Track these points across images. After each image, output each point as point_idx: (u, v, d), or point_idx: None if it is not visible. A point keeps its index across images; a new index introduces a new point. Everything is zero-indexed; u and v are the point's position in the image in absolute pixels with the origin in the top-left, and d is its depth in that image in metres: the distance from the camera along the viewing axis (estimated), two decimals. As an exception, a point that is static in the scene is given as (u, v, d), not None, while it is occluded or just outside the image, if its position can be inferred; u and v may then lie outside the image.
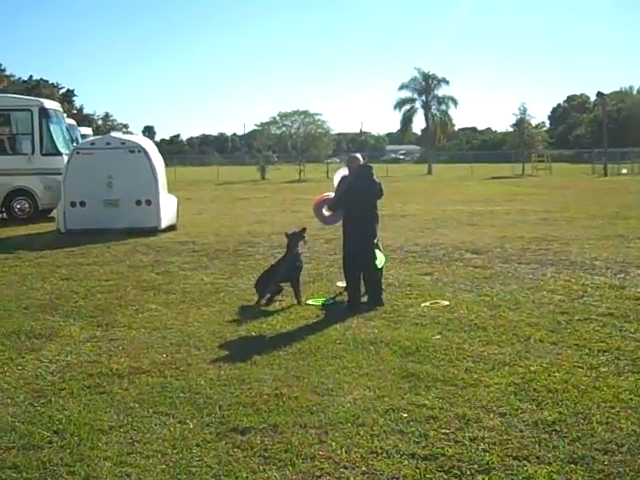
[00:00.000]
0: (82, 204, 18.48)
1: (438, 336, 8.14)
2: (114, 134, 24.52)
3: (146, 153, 18.90)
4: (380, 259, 10.31)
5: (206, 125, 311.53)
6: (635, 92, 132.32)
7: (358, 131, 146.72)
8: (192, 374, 6.89)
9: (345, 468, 4.88)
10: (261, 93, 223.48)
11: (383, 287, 10.28)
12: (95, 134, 40.65)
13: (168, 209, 19.45)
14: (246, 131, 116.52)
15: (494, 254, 14.11)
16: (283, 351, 7.67)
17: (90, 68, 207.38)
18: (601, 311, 9.14)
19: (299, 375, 6.82)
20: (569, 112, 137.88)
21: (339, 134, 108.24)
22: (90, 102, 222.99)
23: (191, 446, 5.25)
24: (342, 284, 10.82)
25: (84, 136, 31.59)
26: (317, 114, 71.66)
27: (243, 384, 6.58)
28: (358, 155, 10.60)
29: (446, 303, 9.77)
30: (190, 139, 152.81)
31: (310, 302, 10.07)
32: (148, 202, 18.56)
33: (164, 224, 18.85)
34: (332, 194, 10.58)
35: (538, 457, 4.97)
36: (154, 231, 18.20)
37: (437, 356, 7.36)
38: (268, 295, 10.15)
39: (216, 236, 17.94)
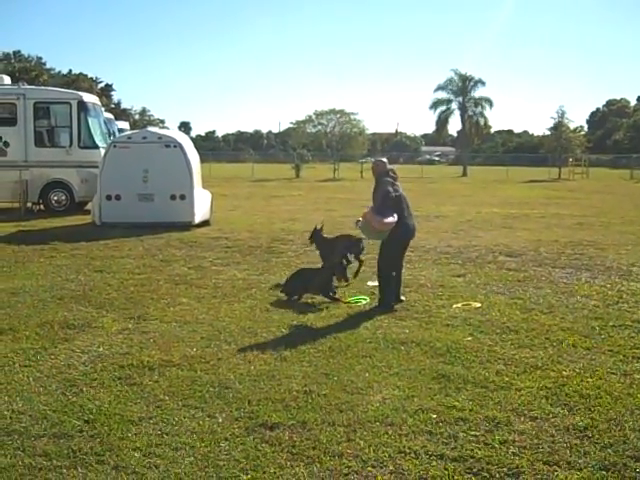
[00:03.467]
0: (117, 197, 18.64)
1: (469, 338, 8.08)
2: (151, 129, 24.65)
3: (182, 148, 19.00)
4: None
5: (242, 122, 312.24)
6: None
7: (394, 131, 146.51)
8: (222, 369, 6.91)
9: (373, 467, 4.87)
10: (297, 91, 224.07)
11: (413, 288, 10.20)
12: (132, 128, 41.01)
13: (202, 204, 19.55)
14: (281, 129, 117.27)
15: (528, 257, 13.99)
16: (313, 348, 7.66)
17: (129, 63, 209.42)
18: (636, 317, 9.02)
19: (328, 373, 6.81)
20: (608, 116, 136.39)
21: (374, 134, 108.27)
22: (128, 97, 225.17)
23: (219, 440, 5.26)
24: (372, 283, 10.79)
25: (121, 130, 31.90)
26: (353, 113, 71.89)
27: (272, 380, 6.58)
28: (384, 159, 10.52)
29: (478, 305, 9.71)
30: (226, 135, 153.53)
31: (349, 300, 10.07)
32: (182, 197, 18.67)
33: (198, 219, 18.94)
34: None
35: (569, 463, 4.91)
36: (188, 226, 18.29)
37: (468, 358, 7.31)
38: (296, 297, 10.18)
39: (249, 232, 17.99)
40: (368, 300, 10.03)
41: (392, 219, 9.60)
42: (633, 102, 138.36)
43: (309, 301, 10.05)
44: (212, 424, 5.55)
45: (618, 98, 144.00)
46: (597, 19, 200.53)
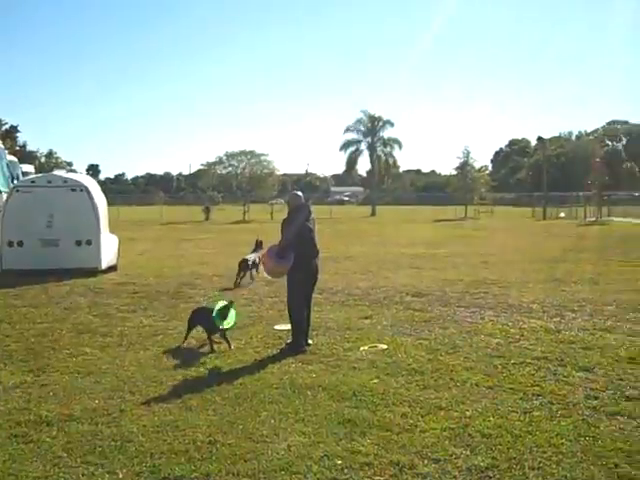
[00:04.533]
0: (20, 244, 18.13)
1: (376, 380, 8.13)
2: (57, 172, 24.13)
3: (88, 192, 18.68)
4: (230, 319, 10.10)
5: (151, 164, 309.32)
6: (574, 138, 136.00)
7: (304, 172, 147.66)
8: (124, 421, 6.75)
9: (276, 518, 4.82)
10: (208, 133, 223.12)
11: (320, 330, 10.25)
12: (38, 172, 40.08)
13: (109, 249, 19.22)
14: (192, 171, 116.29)
15: (434, 297, 14.22)
16: (219, 396, 7.58)
17: (36, 104, 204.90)
18: (536, 355, 9.26)
19: (234, 421, 6.74)
20: (511, 156, 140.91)
21: (285, 175, 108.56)
22: (34, 139, 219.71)
23: (120, 497, 5.13)
24: (280, 327, 10.81)
25: (25, 173, 31.05)
26: (263, 154, 71.84)
27: (177, 431, 6.47)
28: (299, 193, 10.60)
29: (384, 347, 9.79)
30: (135, 178, 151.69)
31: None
32: (88, 242, 18.31)
33: (104, 265, 18.60)
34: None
35: (470, 504, 4.97)
36: (94, 272, 17.92)
37: (374, 401, 7.35)
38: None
39: (157, 277, 17.77)
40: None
41: (286, 262, 9.78)
42: (534, 142, 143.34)
43: (216, 347, 9.94)
44: (112, 480, 5.41)
45: (520, 138, 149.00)
46: (498, 63, 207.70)
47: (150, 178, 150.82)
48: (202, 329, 10.16)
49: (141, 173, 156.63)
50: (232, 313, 10.16)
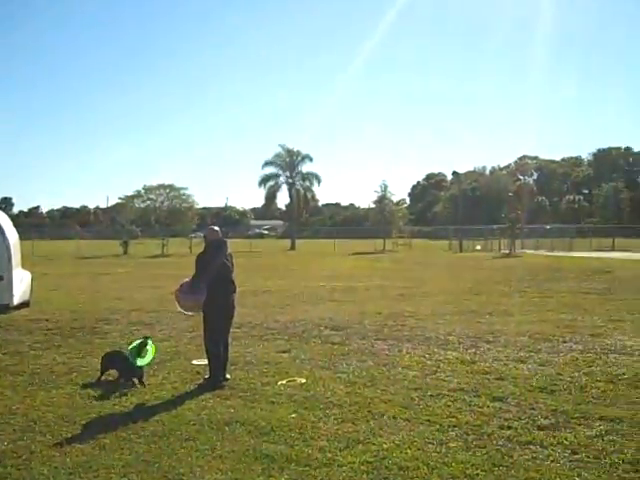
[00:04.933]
0: None
1: (294, 415, 8.11)
2: (-34, 207, 23.49)
3: (-1, 227, 18.20)
4: (147, 356, 10.05)
5: (68, 197, 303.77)
6: (488, 172, 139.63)
7: (223, 205, 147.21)
8: (35, 463, 6.55)
9: None
10: (126, 166, 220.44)
11: (239, 365, 10.20)
12: (-54, 206, 38.92)
13: (21, 285, 18.72)
14: (110, 204, 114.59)
15: (353, 330, 14.30)
16: (135, 434, 7.44)
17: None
18: (452, 386, 9.39)
19: (150, 460, 6.62)
20: (428, 189, 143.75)
21: (204, 208, 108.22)
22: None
23: (28, 541, 4.96)
24: (198, 362, 10.71)
25: None
26: (182, 188, 71.67)
27: (89, 472, 6.31)
28: (216, 228, 10.56)
29: (303, 381, 9.79)
30: (50, 211, 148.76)
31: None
32: (0, 278, 17.80)
33: (16, 301, 18.10)
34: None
35: (387, 537, 4.98)
36: (5, 308, 17.42)
37: (292, 435, 7.33)
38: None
39: (72, 313, 17.39)
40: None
41: (198, 296, 9.75)
42: (449, 176, 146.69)
43: (131, 384, 9.76)
44: (21, 525, 5.23)
45: (436, 172, 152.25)
46: (416, 97, 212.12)
47: (66, 211, 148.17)
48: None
49: (57, 206, 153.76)
50: (149, 349, 10.03)
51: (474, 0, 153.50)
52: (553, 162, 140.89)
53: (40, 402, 8.78)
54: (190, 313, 10.45)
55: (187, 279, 10.16)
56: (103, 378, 9.95)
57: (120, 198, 78.03)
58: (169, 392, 9.35)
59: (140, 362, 9.82)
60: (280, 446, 7.00)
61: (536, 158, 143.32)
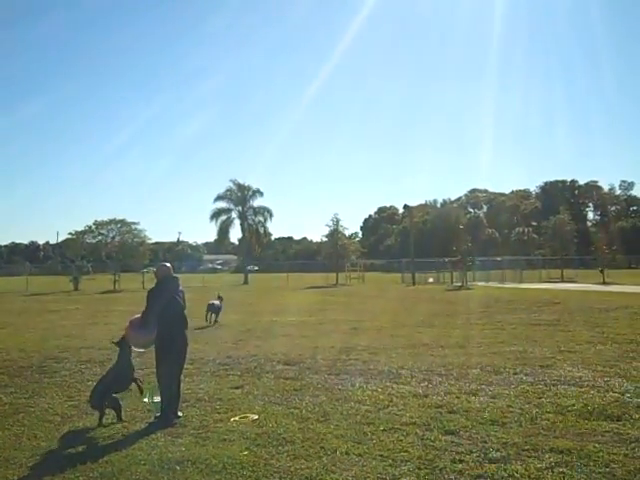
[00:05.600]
0: None
1: (246, 452, 8.05)
2: None
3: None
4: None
5: (16, 233, 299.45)
6: (439, 205, 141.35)
7: (176, 240, 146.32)
8: (-20, 507, 6.41)
9: None
10: (76, 201, 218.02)
11: (191, 402, 10.12)
12: None
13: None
14: (59, 239, 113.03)
15: (305, 365, 14.27)
16: (83, 476, 7.35)
17: None
18: (405, 420, 9.41)
19: (99, 502, 6.51)
20: (380, 223, 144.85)
21: (156, 243, 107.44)
22: None
23: None
24: (147, 400, 10.59)
25: None
26: (134, 223, 71.03)
27: (36, 515, 6.18)
28: (167, 264, 10.53)
29: (255, 417, 9.72)
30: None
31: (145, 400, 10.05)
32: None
33: (-38, 340, 17.73)
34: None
35: None
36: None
37: (244, 473, 7.28)
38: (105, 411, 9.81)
39: (20, 351, 17.07)
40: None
41: (149, 334, 9.77)
42: (401, 209, 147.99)
43: (81, 424, 9.62)
44: None
45: (388, 205, 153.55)
46: (368, 131, 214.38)
47: (15, 247, 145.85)
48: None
49: (5, 242, 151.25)
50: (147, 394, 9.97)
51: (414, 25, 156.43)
52: (502, 195, 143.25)
53: (-15, 444, 8.59)
54: (142, 350, 10.37)
55: (138, 315, 10.12)
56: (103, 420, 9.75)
57: (70, 233, 76.92)
58: (119, 431, 9.25)
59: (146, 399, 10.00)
60: (231, 485, 6.94)
61: (486, 191, 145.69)
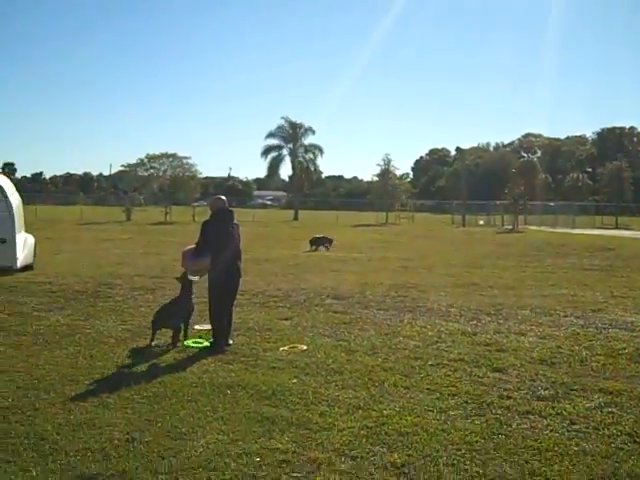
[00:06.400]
0: None
1: (295, 380, 8.17)
2: (-30, 169, 23.51)
3: (2, 190, 18.26)
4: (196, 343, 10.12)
5: (71, 164, 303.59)
6: (492, 149, 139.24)
7: (226, 175, 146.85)
8: (39, 419, 6.62)
9: (194, 514, 4.79)
10: (129, 134, 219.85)
11: (241, 331, 10.28)
12: (-51, 168, 38.90)
13: (24, 248, 18.78)
14: (112, 172, 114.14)
15: (354, 300, 14.36)
16: (138, 394, 7.50)
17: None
18: (453, 356, 9.44)
19: (152, 419, 6.68)
20: (431, 164, 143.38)
21: (207, 178, 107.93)
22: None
23: (33, 494, 5.02)
24: (200, 327, 10.78)
25: (-63, 170, 30.20)
26: (185, 157, 71.32)
27: (93, 429, 6.38)
28: (222, 197, 10.58)
29: (304, 347, 9.84)
30: (54, 177, 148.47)
31: (190, 343, 9.95)
32: (3, 241, 17.86)
33: (20, 263, 18.16)
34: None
35: (386, 499, 5.04)
36: (9, 270, 17.49)
37: (293, 400, 7.38)
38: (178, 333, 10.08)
39: (75, 277, 17.44)
40: (207, 344, 9.92)
41: (203, 260, 9.90)
42: (453, 151, 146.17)
43: (135, 346, 9.84)
44: (25, 478, 5.29)
45: (440, 147, 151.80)
46: (422, 72, 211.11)
47: (69, 178, 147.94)
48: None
49: (60, 172, 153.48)
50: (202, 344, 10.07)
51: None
52: (557, 140, 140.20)
53: (44, 361, 8.85)
54: (196, 278, 10.47)
55: (191, 246, 10.25)
56: (154, 343, 9.98)
57: (123, 166, 77.74)
58: (172, 355, 9.43)
59: (188, 341, 10.00)
60: (281, 410, 7.05)
61: (540, 136, 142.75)
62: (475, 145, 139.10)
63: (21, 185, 23.51)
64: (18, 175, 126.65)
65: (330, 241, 29.17)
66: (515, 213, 56.32)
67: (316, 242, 29.11)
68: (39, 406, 7.03)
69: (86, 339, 10.29)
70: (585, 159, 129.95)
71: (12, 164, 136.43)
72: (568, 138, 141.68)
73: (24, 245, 18.87)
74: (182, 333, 10.13)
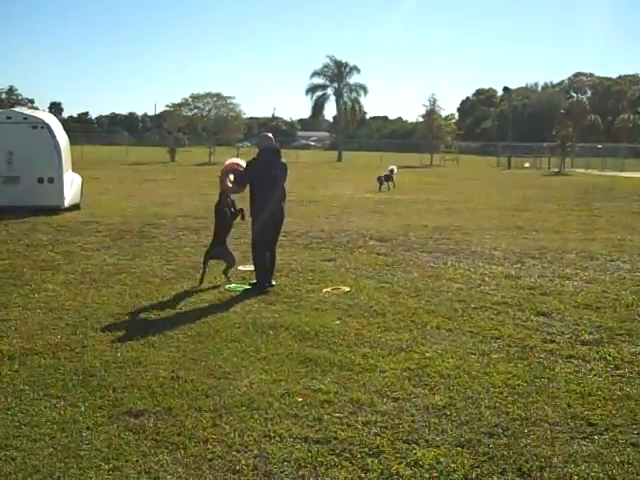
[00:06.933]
0: (-21, 180, 17.85)
1: (337, 321, 8.21)
2: (17, 109, 23.71)
3: (49, 129, 18.39)
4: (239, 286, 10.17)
5: (116, 104, 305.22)
6: (540, 89, 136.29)
7: (270, 116, 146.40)
8: (87, 356, 6.77)
9: (237, 451, 4.87)
10: (174, 73, 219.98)
11: (284, 272, 10.34)
12: (-3, 108, 39.32)
13: (72, 188, 19.03)
14: (157, 112, 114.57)
15: (397, 242, 14.33)
16: (182, 334, 7.61)
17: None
18: (496, 300, 9.40)
19: (196, 358, 6.78)
20: (477, 105, 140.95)
21: (251, 118, 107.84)
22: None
23: (81, 429, 5.15)
24: (244, 268, 10.85)
25: (-15, 110, 30.55)
26: (230, 97, 71.27)
27: (139, 366, 6.50)
28: (270, 135, 10.52)
29: (347, 289, 9.87)
30: (99, 117, 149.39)
31: (230, 286, 10.01)
32: (50, 180, 18.09)
33: (67, 203, 18.43)
34: (242, 163, 10.45)
35: (427, 440, 5.07)
36: (56, 210, 17.76)
37: (335, 341, 7.43)
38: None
39: (121, 217, 17.65)
40: (248, 287, 9.99)
41: (235, 189, 10.41)
42: (500, 92, 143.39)
43: (179, 287, 9.95)
44: (74, 413, 5.42)
45: (486, 88, 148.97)
46: (468, 11, 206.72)
47: (114, 118, 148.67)
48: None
49: (105, 112, 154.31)
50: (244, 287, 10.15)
51: None
52: (609, 80, 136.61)
53: (91, 300, 9.02)
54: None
55: (234, 161, 10.51)
56: (205, 282, 10.14)
57: (167, 106, 77.89)
58: (215, 296, 9.52)
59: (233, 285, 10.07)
60: (323, 351, 7.10)
61: (591, 75, 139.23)
62: (523, 85, 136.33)
63: (67, 125, 23.68)
64: (65, 115, 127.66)
65: (391, 174, 31.22)
66: (562, 155, 55.36)
67: (381, 179, 30.43)
68: (87, 343, 7.18)
69: (132, 278, 10.44)
70: (637, 99, 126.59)
71: (59, 104, 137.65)
72: (620, 77, 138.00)
73: (71, 185, 19.10)
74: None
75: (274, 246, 10.30)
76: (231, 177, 10.34)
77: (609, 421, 5.43)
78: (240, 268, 10.98)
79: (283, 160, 10.27)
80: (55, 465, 4.62)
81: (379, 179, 30.32)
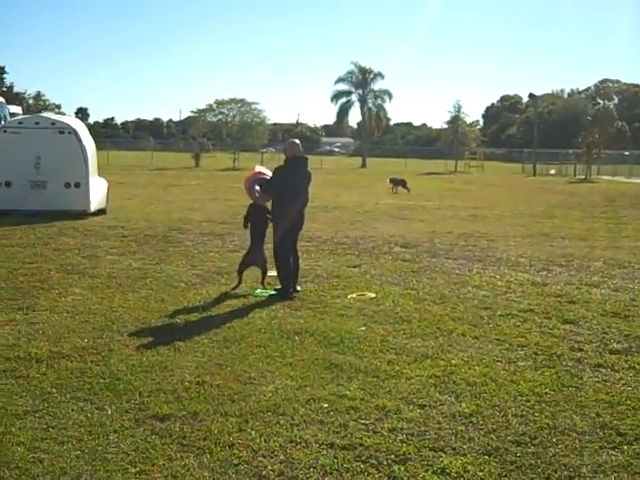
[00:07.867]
0: (7, 184, 18.03)
1: (363, 328, 8.18)
2: (45, 114, 23.92)
3: (76, 134, 18.54)
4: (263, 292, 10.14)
5: (141, 109, 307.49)
6: (566, 95, 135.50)
7: (295, 122, 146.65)
8: (113, 360, 6.79)
9: (263, 457, 4.87)
10: (199, 79, 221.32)
11: (309, 278, 10.33)
12: (25, 113, 39.64)
13: (98, 192, 19.17)
14: (182, 117, 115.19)
15: (423, 248, 14.28)
16: (208, 339, 7.62)
17: (23, 44, 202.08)
18: (522, 307, 9.33)
19: (222, 363, 6.79)
20: (502, 112, 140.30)
21: (275, 124, 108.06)
22: (22, 80, 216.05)
23: (108, 432, 5.17)
24: (269, 273, 10.84)
25: (13, 114, 30.75)
26: (254, 103, 71.49)
27: (165, 371, 6.52)
28: (297, 141, 10.55)
29: (372, 295, 9.84)
30: (125, 123, 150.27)
31: (256, 292, 10.01)
32: (77, 185, 18.23)
33: (93, 207, 18.56)
34: (266, 171, 10.49)
35: (454, 448, 5.04)
36: (83, 214, 17.90)
37: (361, 347, 7.40)
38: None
39: (146, 221, 17.75)
40: (273, 292, 9.98)
41: (263, 199, 10.27)
42: (525, 98, 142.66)
43: (204, 293, 9.96)
44: (101, 416, 5.45)
45: (511, 94, 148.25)
46: (490, 17, 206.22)
47: (140, 123, 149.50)
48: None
49: (131, 118, 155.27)
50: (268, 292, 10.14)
51: None
52: (636, 86, 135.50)
53: (117, 304, 9.06)
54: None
55: (260, 171, 10.47)
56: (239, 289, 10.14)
57: (192, 112, 78.33)
58: (240, 301, 9.53)
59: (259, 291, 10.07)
60: (349, 357, 7.08)
61: (618, 81, 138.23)
62: (548, 92, 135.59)
63: (94, 130, 23.99)
64: (91, 120, 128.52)
65: (405, 183, 32.76)
66: (588, 162, 54.96)
67: (395, 182, 33.02)
68: (113, 347, 7.21)
69: (157, 283, 10.48)
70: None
71: (85, 109, 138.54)
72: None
73: (97, 189, 19.24)
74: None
75: (296, 249, 10.31)
76: (257, 187, 10.34)
77: (639, 431, 5.36)
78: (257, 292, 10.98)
79: (309, 168, 10.30)
80: (82, 468, 4.64)
81: (392, 181, 33.00)
